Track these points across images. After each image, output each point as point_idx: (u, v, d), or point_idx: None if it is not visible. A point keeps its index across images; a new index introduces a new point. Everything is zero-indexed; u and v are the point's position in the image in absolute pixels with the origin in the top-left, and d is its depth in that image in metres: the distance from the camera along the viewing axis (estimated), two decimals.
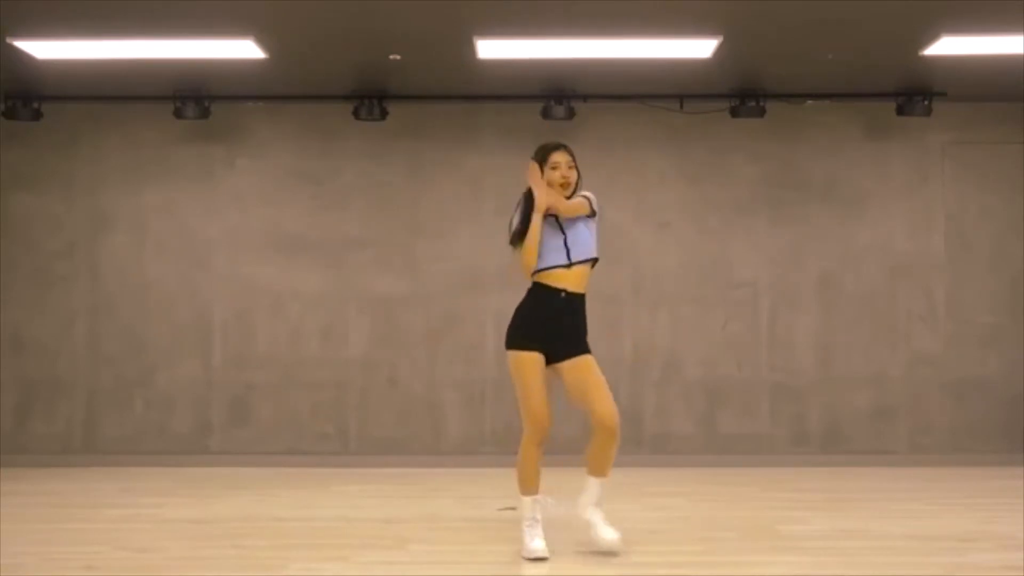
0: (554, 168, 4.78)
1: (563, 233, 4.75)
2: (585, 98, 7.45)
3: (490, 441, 7.68)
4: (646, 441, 7.67)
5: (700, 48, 6.39)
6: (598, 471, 4.75)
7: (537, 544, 4.66)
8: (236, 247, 7.78)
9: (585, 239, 4.79)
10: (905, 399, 7.71)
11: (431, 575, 4.44)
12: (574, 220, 4.77)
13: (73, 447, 7.67)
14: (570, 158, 4.82)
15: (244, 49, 6.38)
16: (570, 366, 4.70)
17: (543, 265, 4.73)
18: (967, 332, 7.74)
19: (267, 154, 7.82)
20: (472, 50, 6.38)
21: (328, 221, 7.78)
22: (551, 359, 4.71)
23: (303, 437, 7.69)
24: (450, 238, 7.77)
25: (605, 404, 4.66)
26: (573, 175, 4.81)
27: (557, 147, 4.84)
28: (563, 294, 4.72)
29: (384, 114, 7.53)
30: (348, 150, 7.80)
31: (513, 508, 5.71)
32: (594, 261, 4.83)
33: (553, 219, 4.76)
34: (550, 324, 4.70)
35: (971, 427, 7.70)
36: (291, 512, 5.80)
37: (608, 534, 4.71)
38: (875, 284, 7.76)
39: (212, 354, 7.72)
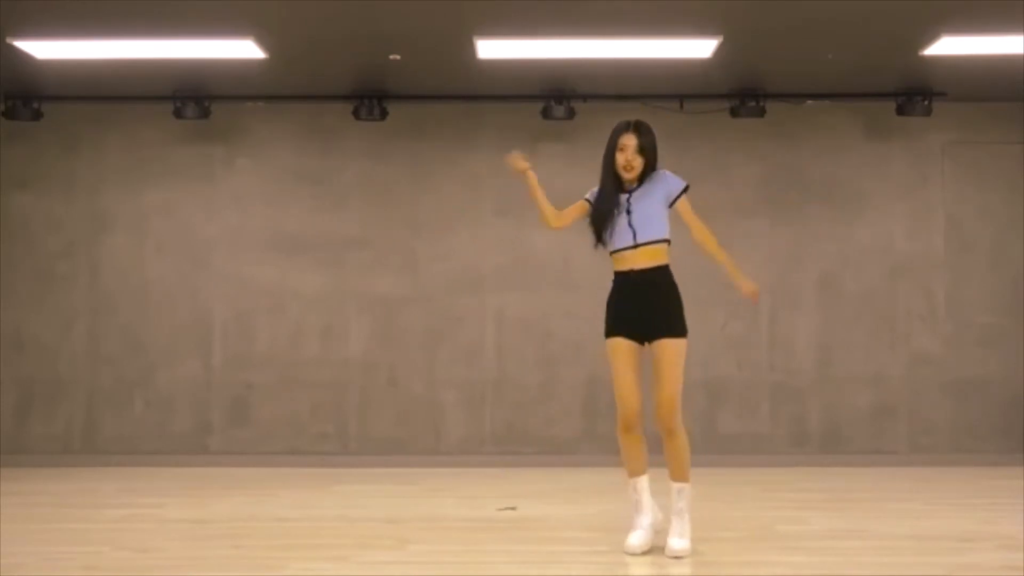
0: (621, 151, 4.63)
1: (628, 214, 4.62)
2: (585, 98, 7.45)
3: (490, 441, 7.68)
4: (645, 441, 7.64)
5: (700, 48, 6.39)
6: (671, 474, 4.68)
7: (630, 539, 4.63)
8: (236, 247, 7.78)
9: (652, 219, 4.63)
10: (905, 399, 7.71)
11: (431, 575, 4.44)
12: (643, 198, 4.63)
13: (73, 447, 7.67)
14: (639, 141, 4.60)
15: (244, 49, 6.38)
16: (653, 348, 4.65)
17: (612, 247, 4.66)
18: (967, 332, 7.74)
19: (267, 154, 7.83)
20: (472, 50, 6.39)
21: (328, 221, 7.78)
22: (644, 340, 4.66)
23: (303, 437, 7.69)
24: (450, 238, 7.77)
25: (656, 395, 4.60)
26: (638, 160, 4.60)
27: (627, 127, 4.65)
28: (631, 274, 4.63)
29: (384, 114, 7.53)
30: (348, 150, 7.80)
31: (513, 508, 5.72)
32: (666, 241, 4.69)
33: (622, 198, 4.63)
34: (625, 306, 4.65)
35: (971, 427, 7.70)
36: (291, 512, 5.79)
37: (676, 543, 4.59)
38: (875, 284, 7.76)
39: (212, 354, 7.72)
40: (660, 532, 4.73)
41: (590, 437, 7.63)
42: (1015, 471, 7.19)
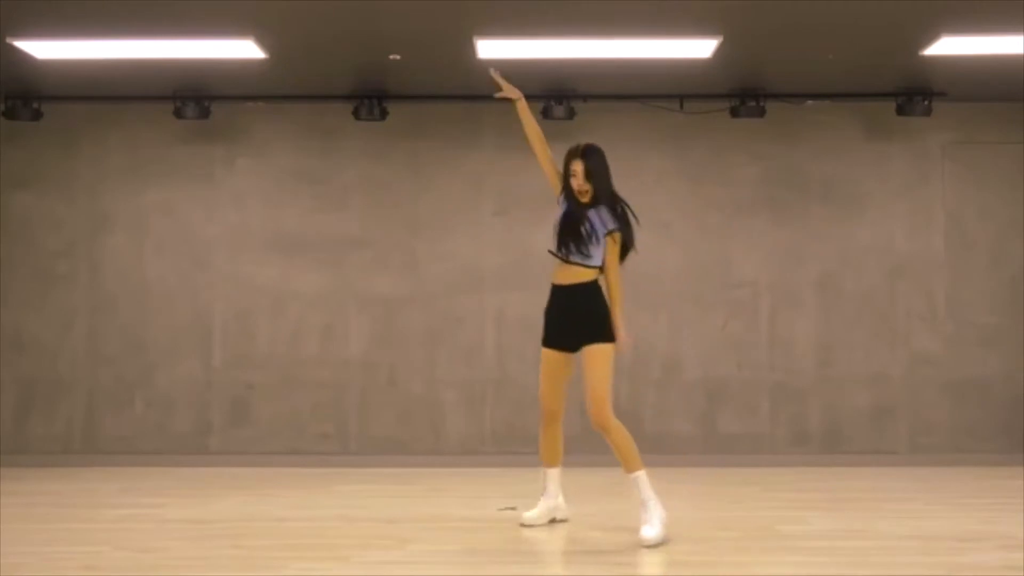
0: (573, 177, 4.94)
1: (584, 228, 4.92)
2: (585, 98, 7.45)
3: (490, 441, 7.68)
4: (646, 441, 7.61)
5: (700, 48, 6.39)
6: (623, 467, 4.97)
7: (527, 512, 5.34)
8: (236, 247, 7.78)
9: (593, 246, 4.94)
10: (905, 399, 7.71)
11: (431, 575, 4.44)
12: (596, 222, 4.94)
13: (73, 447, 7.67)
14: (586, 166, 4.91)
15: (244, 49, 6.38)
16: (582, 354, 4.99)
17: (554, 247, 5.02)
18: (967, 332, 7.74)
19: (267, 154, 7.82)
20: (472, 50, 6.38)
21: (328, 221, 7.78)
22: (574, 349, 5.06)
23: (303, 437, 7.69)
24: (450, 238, 7.77)
25: (585, 396, 4.94)
26: (587, 186, 4.92)
27: (574, 154, 4.97)
28: (557, 288, 5.06)
29: (384, 114, 7.53)
30: (348, 150, 7.80)
31: (513, 508, 5.72)
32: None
33: (582, 210, 4.94)
34: (553, 318, 5.14)
35: (971, 427, 7.70)
36: (291, 512, 5.79)
37: (645, 531, 4.81)
38: (875, 284, 7.76)
39: (212, 354, 7.72)
40: (560, 522, 5.37)
41: (590, 437, 7.58)
42: (1015, 471, 7.19)
